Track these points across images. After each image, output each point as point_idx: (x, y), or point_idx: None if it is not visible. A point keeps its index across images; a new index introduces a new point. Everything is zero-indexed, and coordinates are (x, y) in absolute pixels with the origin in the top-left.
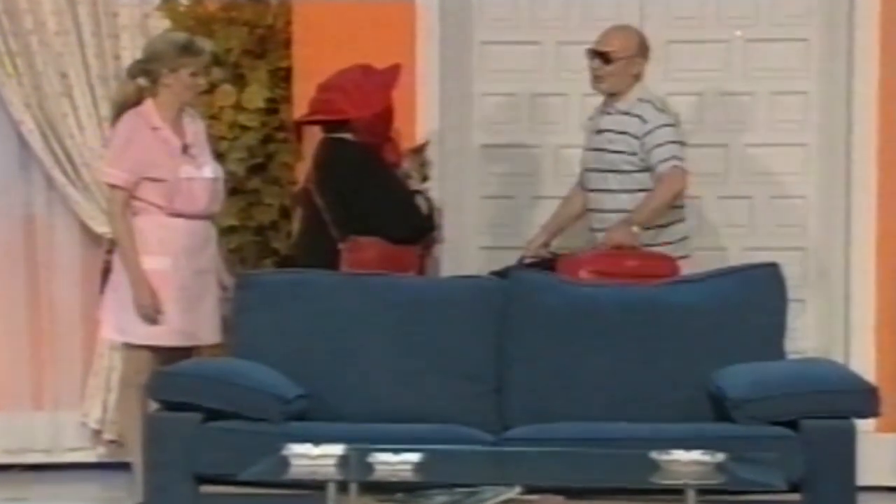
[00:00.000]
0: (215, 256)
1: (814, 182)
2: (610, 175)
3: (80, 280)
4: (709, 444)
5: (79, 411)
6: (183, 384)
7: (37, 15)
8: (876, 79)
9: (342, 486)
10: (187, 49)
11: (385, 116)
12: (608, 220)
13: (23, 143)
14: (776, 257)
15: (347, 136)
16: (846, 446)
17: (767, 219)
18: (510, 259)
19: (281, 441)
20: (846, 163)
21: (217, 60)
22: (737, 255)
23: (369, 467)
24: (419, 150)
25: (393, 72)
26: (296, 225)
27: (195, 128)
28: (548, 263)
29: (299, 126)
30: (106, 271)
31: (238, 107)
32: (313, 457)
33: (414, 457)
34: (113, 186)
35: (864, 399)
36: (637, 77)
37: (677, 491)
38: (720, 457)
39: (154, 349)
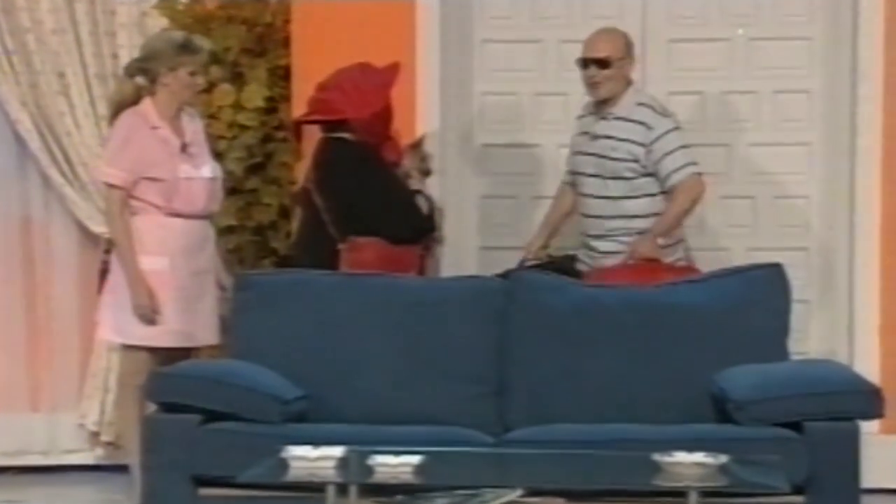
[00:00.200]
0: (214, 257)
1: (817, 181)
2: (611, 182)
3: (78, 280)
4: (711, 446)
5: (76, 413)
6: (181, 385)
7: (34, 13)
8: (880, 77)
9: (342, 489)
10: (185, 47)
11: (384, 115)
12: (607, 227)
13: (20, 142)
14: (779, 258)
15: (347, 135)
16: (850, 448)
17: (770, 219)
18: (511, 259)
19: (280, 443)
20: (850, 162)
21: (216, 59)
22: (740, 256)
23: (369, 469)
24: (417, 146)
25: (392, 71)
26: (295, 225)
27: (194, 127)
28: (550, 266)
29: (298, 125)
30: (103, 272)
31: (237, 106)
32: (312, 459)
33: (414, 459)
34: (111, 186)
35: (868, 401)
36: (629, 78)
37: (679, 493)
38: (723, 459)
39: (152, 350)
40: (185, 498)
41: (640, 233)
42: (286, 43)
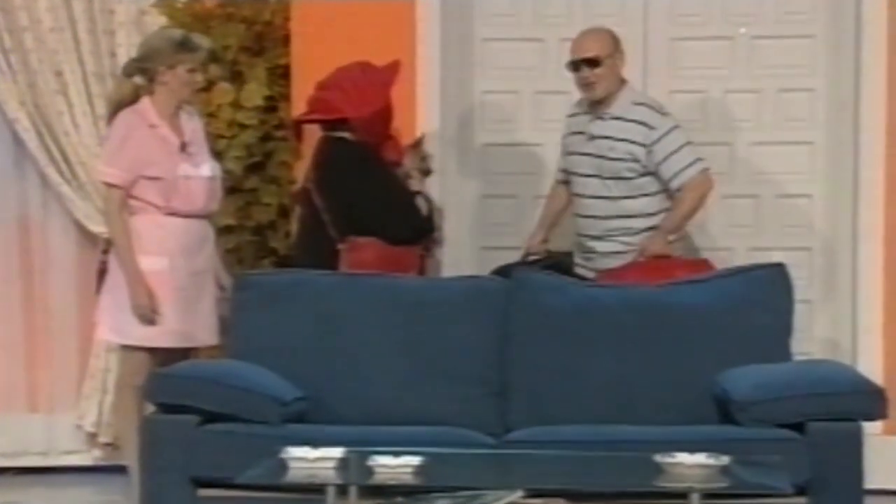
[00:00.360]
0: (213, 256)
1: (820, 181)
2: (611, 182)
3: (76, 280)
4: (713, 447)
5: (74, 414)
6: (180, 386)
7: (31, 11)
8: (884, 75)
9: (341, 490)
10: (184, 45)
11: (384, 115)
12: (605, 227)
13: (17, 141)
14: (782, 257)
15: (347, 134)
16: (853, 449)
17: (773, 218)
18: (511, 259)
19: (279, 444)
20: (853, 161)
21: (215, 58)
22: (742, 256)
23: (369, 470)
24: (417, 145)
25: (392, 69)
26: (294, 225)
27: (193, 125)
28: (550, 262)
29: (298, 125)
30: (102, 272)
31: (236, 105)
32: (312, 460)
33: (414, 460)
34: (109, 185)
35: (871, 401)
36: (620, 75)
37: (681, 494)
38: (725, 460)
39: (151, 351)
40: (184, 499)
41: (640, 232)
42: (286, 41)
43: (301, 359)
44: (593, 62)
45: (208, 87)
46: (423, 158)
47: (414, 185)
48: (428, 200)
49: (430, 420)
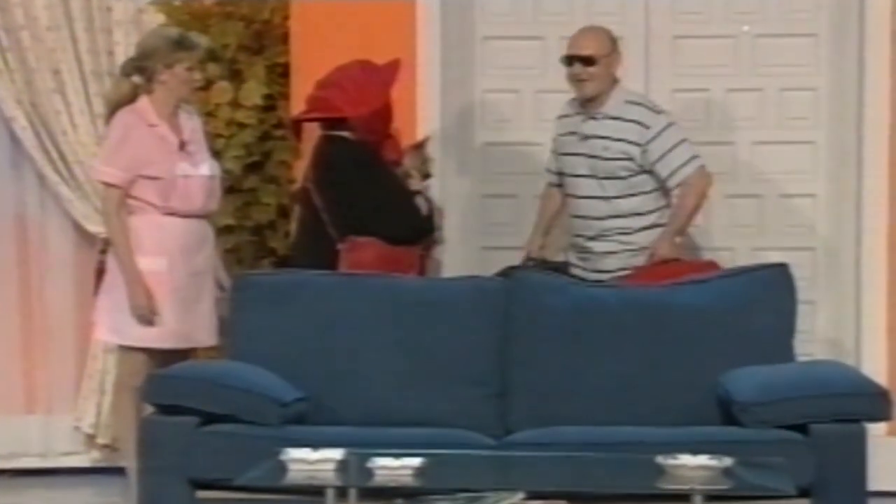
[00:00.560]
0: (213, 256)
1: (824, 180)
2: (606, 182)
3: (74, 281)
4: (716, 449)
5: (72, 415)
6: (178, 387)
7: (28, 10)
8: (887, 74)
9: (341, 492)
10: (181, 43)
11: (384, 114)
12: (602, 227)
13: (14, 140)
14: (785, 257)
15: (346, 134)
16: (857, 451)
17: (776, 218)
18: (512, 259)
19: (278, 445)
20: (857, 160)
21: (213, 56)
22: (745, 256)
23: (369, 472)
24: (420, 147)
25: (392, 68)
26: (294, 224)
27: (192, 124)
28: (553, 268)
29: (297, 124)
30: (100, 272)
31: (235, 104)
32: (312, 461)
33: (414, 461)
34: (108, 185)
35: (875, 402)
36: (614, 75)
37: (684, 496)
38: (728, 461)
39: (149, 351)
40: (183, 501)
41: (636, 231)
42: (285, 40)
43: (301, 359)
44: (588, 60)
45: (207, 85)
46: (425, 161)
47: (413, 184)
48: (428, 200)
49: (431, 421)
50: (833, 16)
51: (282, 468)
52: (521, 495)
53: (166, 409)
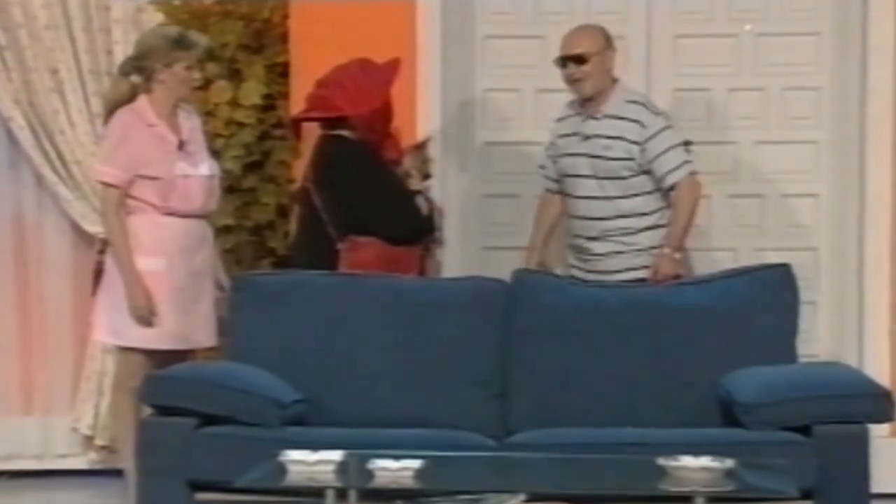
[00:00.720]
0: (212, 257)
1: (826, 180)
2: (607, 182)
3: (72, 281)
4: (718, 450)
5: (70, 416)
6: (177, 388)
7: (26, 8)
8: (891, 73)
9: (341, 493)
10: (180, 42)
11: (384, 113)
12: (603, 228)
13: (12, 140)
14: (787, 258)
15: (346, 133)
16: (860, 452)
17: (778, 218)
18: (513, 259)
19: (278, 447)
20: (859, 160)
21: (212, 55)
22: (747, 256)
23: (369, 474)
24: (421, 147)
25: (392, 67)
26: (293, 224)
27: (191, 124)
28: None
29: (296, 123)
30: (98, 272)
31: (234, 103)
32: (311, 463)
33: (415, 463)
34: (106, 185)
35: (878, 403)
36: (611, 73)
37: (686, 498)
38: (730, 463)
39: (148, 352)
40: (182, 503)
41: (637, 232)
42: (284, 39)
43: (300, 360)
44: (580, 59)
45: (206, 85)
46: (425, 162)
47: (413, 184)
48: (428, 200)
49: (431, 422)
50: (835, 14)
51: (281, 470)
52: (521, 497)
53: (165, 411)
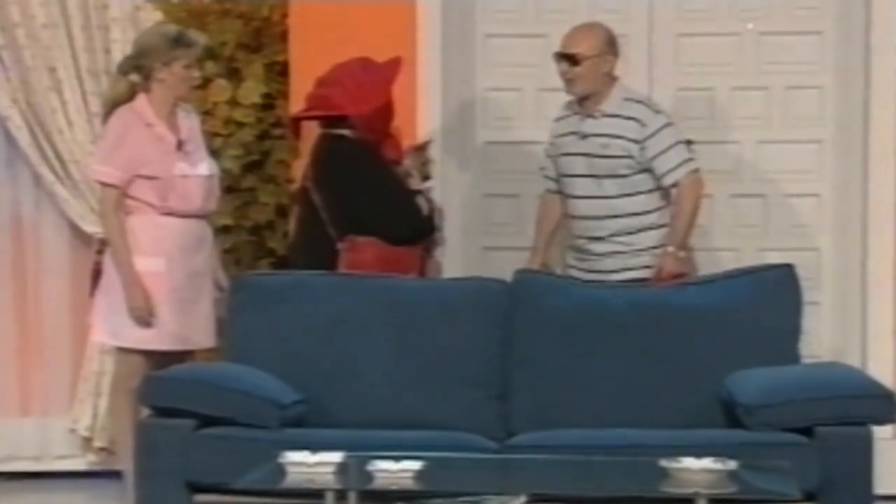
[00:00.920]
0: (211, 257)
1: (829, 180)
2: (607, 181)
3: (70, 281)
4: (720, 452)
5: (68, 417)
6: (176, 389)
7: (24, 7)
8: (894, 72)
9: (341, 495)
10: (179, 41)
11: (384, 112)
12: (602, 227)
13: (10, 139)
14: (790, 258)
15: (346, 132)
16: (863, 454)
17: (781, 218)
18: (513, 259)
19: (277, 448)
20: (863, 159)
21: (211, 54)
22: (750, 256)
23: (369, 475)
24: (422, 148)
25: (393, 66)
26: (292, 224)
27: (190, 123)
28: None
29: (296, 122)
30: (96, 272)
31: (233, 102)
32: (311, 464)
33: (415, 464)
34: (105, 185)
35: (881, 405)
36: (610, 75)
37: (688, 500)
38: (732, 464)
39: (147, 353)
40: None
41: (637, 231)
42: (283, 38)
43: (299, 361)
44: (573, 59)
45: (204, 84)
46: (425, 163)
47: (413, 184)
48: (429, 200)
49: (431, 424)
50: (839, 13)
51: (280, 471)
52: (522, 499)
53: (163, 412)
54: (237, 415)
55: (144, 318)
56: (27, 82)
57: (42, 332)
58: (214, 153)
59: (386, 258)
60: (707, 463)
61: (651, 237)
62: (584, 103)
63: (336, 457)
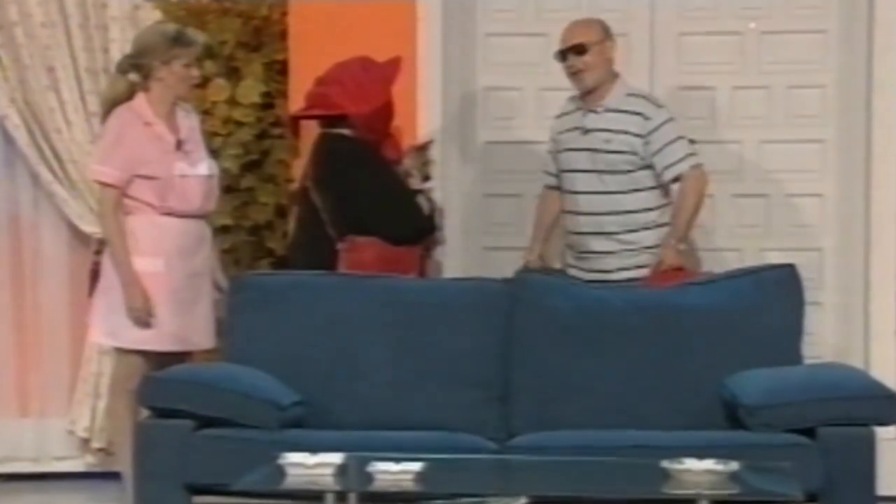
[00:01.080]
0: (211, 258)
1: (832, 179)
2: (607, 176)
3: (68, 282)
4: (722, 453)
5: (66, 418)
6: (175, 390)
7: (22, 6)
8: None
9: (341, 497)
10: (178, 40)
11: (384, 112)
12: (602, 224)
13: (7, 139)
14: (792, 258)
15: (346, 131)
16: (865, 455)
17: (783, 218)
18: (514, 259)
19: (276, 449)
20: (866, 159)
21: (210, 53)
22: (752, 256)
23: (369, 477)
24: (422, 149)
25: (393, 65)
26: (292, 224)
27: (189, 123)
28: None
29: (295, 121)
30: (94, 273)
31: (232, 102)
32: (310, 466)
33: (415, 466)
34: (104, 185)
35: (884, 406)
36: (612, 63)
37: (690, 501)
38: (734, 466)
39: (146, 354)
40: None
41: (638, 229)
42: (283, 37)
43: (299, 362)
44: (580, 49)
45: (203, 83)
46: (425, 163)
47: (414, 183)
48: (429, 199)
49: (432, 425)
50: (841, 11)
51: (280, 473)
52: (523, 500)
53: (162, 413)
54: (236, 416)
55: (143, 318)
56: (25, 81)
57: (40, 333)
58: (213, 153)
59: (386, 258)
60: (709, 464)
61: (650, 236)
62: (586, 98)
63: (336, 458)
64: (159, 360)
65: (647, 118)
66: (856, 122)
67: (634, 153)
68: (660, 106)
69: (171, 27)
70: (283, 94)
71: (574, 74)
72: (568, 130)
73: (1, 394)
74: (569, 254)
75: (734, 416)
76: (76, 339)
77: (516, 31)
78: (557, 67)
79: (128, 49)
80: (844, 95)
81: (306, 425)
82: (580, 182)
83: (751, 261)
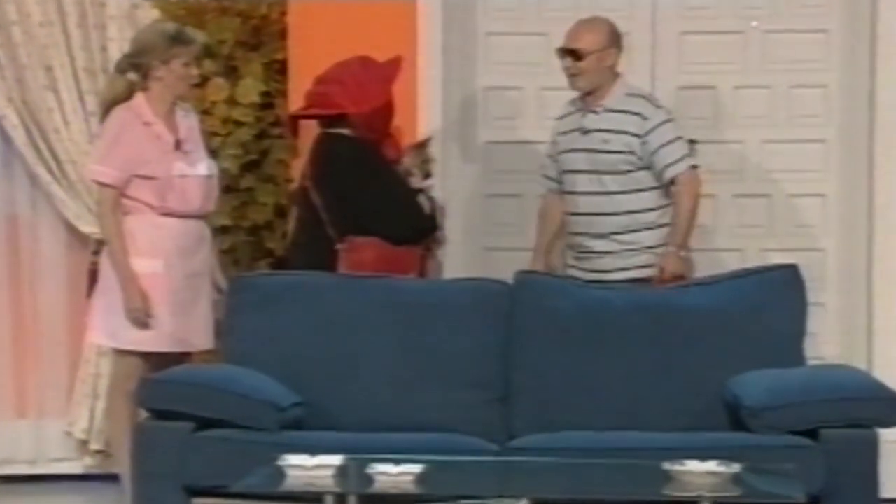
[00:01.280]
0: (210, 258)
1: (834, 180)
2: (607, 177)
3: (66, 282)
4: (724, 455)
5: (64, 420)
6: (173, 392)
7: (20, 5)
8: None
9: (340, 499)
10: (178, 39)
11: (384, 111)
12: (602, 225)
13: (5, 138)
14: (795, 258)
15: (346, 131)
16: (868, 456)
17: (786, 218)
18: (515, 260)
19: (276, 451)
20: (868, 159)
21: (209, 52)
22: (754, 257)
23: (368, 479)
24: (421, 146)
25: (393, 64)
26: (291, 224)
27: (189, 123)
28: None
29: (295, 120)
30: (93, 273)
31: (231, 101)
32: (310, 467)
33: (415, 467)
34: (102, 185)
35: (886, 407)
36: (613, 69)
37: (691, 503)
38: (736, 467)
39: (144, 355)
40: None
41: (638, 230)
42: (282, 36)
43: (299, 363)
44: (576, 54)
45: (202, 83)
46: (425, 161)
47: (415, 183)
48: (430, 198)
49: (432, 426)
50: (844, 11)
51: (279, 474)
52: (523, 502)
53: (161, 414)
54: (235, 417)
55: (142, 319)
56: (23, 81)
57: (38, 334)
58: (213, 153)
59: (386, 258)
60: (711, 466)
61: (651, 236)
62: (586, 98)
63: (335, 460)
64: (158, 361)
65: (645, 118)
66: (858, 122)
67: (633, 153)
68: (659, 106)
69: (170, 26)
70: (283, 94)
71: (569, 76)
72: (568, 132)
73: None
74: (569, 254)
75: (736, 417)
76: (74, 340)
77: (517, 31)
78: (558, 67)
79: (126, 48)
80: (847, 95)
81: (306, 426)
82: (580, 183)
83: (752, 261)
